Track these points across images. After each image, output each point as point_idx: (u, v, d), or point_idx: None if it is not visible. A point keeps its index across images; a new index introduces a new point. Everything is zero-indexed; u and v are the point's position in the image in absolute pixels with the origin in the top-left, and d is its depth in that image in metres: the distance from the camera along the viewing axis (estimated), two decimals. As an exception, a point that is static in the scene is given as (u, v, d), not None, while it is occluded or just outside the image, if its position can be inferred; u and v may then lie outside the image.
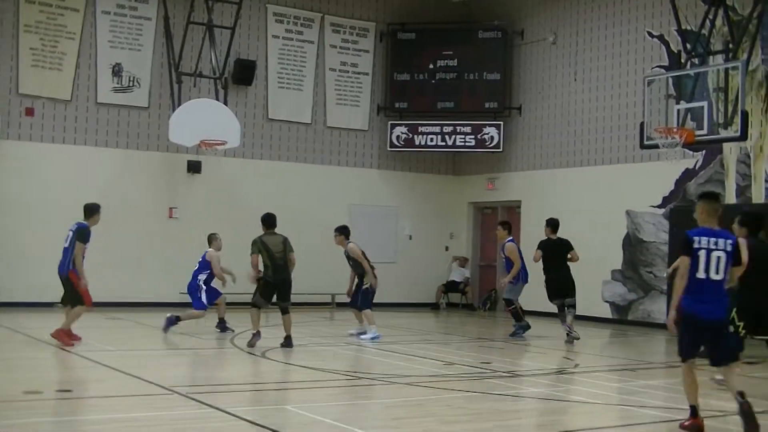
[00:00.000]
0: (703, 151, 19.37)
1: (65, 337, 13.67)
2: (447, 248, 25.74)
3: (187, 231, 21.63)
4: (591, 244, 18.95)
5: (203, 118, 20.59)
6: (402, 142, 24.73)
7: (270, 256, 14.45)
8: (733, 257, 8.62)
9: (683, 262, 8.60)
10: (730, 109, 17.31)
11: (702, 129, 17.53)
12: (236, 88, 22.62)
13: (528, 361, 14.78)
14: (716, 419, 9.15)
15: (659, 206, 20.14)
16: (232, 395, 10.15)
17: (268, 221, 14.84)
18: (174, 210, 21.96)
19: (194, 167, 22.03)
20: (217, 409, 8.94)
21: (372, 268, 16.45)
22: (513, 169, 24.33)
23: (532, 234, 21.58)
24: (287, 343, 14.28)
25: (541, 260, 16.88)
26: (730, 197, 19.01)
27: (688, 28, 18.92)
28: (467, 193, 25.71)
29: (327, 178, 23.93)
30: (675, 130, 17.52)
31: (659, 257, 20.11)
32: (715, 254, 8.51)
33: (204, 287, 16.67)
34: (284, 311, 14.49)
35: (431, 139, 24.67)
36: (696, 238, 8.56)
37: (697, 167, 19.62)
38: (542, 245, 17.05)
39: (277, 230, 14.86)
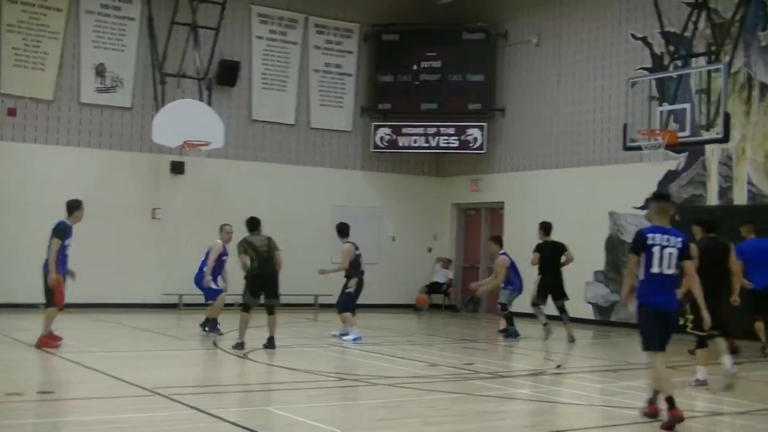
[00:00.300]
0: (686, 153, 19.44)
1: (49, 341, 13.58)
2: (430, 249, 25.75)
3: (171, 232, 21.60)
4: (574, 245, 18.93)
5: (187, 119, 20.55)
6: (385, 144, 24.73)
7: (256, 252, 14.52)
8: (684, 253, 9.14)
9: (633, 260, 9.17)
10: (712, 111, 17.39)
11: (684, 131, 17.60)
12: (220, 89, 22.56)
13: (511, 362, 14.81)
14: (697, 419, 9.19)
15: (642, 208, 20.17)
16: (215, 397, 10.13)
17: (252, 224, 14.91)
18: (157, 211, 21.89)
19: (177, 168, 21.97)
20: (199, 410, 8.92)
21: (361, 273, 16.36)
22: (496, 170, 24.36)
23: (515, 235, 21.66)
24: (270, 344, 14.27)
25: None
26: (712, 199, 19.10)
27: (671, 30, 18.98)
28: (451, 194, 25.73)
29: (310, 180, 23.90)
30: (658, 131, 17.58)
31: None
32: (667, 251, 9.04)
33: (211, 278, 16.38)
34: (270, 311, 14.48)
35: (415, 141, 24.68)
36: (649, 236, 9.09)
37: (679, 169, 19.69)
38: (539, 248, 17.26)
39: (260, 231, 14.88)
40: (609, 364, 13.50)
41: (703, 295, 10.34)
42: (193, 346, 15.11)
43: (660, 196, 9.65)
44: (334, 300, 22.33)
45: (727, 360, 11.48)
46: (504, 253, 17.87)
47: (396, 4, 25.28)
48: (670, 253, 9.05)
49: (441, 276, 25.05)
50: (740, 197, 18.62)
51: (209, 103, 21.59)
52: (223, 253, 16.54)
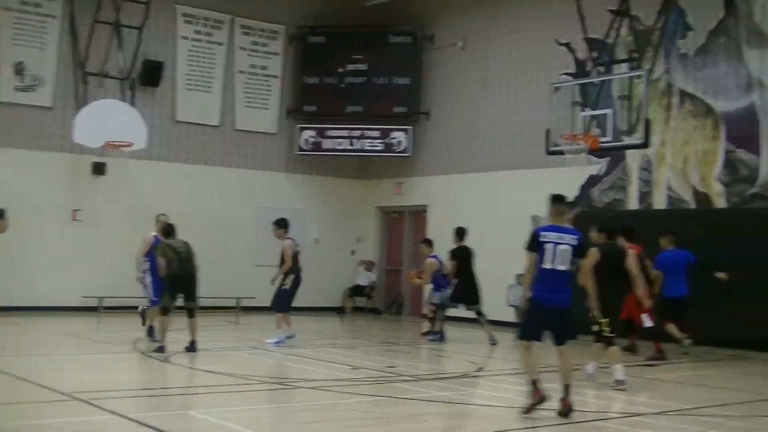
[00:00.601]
0: (607, 158, 19.71)
1: None
2: (353, 252, 25.74)
3: (92, 234, 21.29)
4: (497, 248, 19.13)
5: (109, 120, 20.24)
6: (310, 146, 24.67)
7: (176, 253, 14.40)
8: (578, 250, 9.60)
9: (528, 257, 9.67)
10: (633, 116, 17.68)
11: (606, 136, 17.85)
12: (143, 90, 22.29)
13: (433, 365, 14.87)
14: (614, 420, 9.31)
15: (564, 212, 20.40)
16: (135, 401, 10.01)
17: (168, 231, 14.81)
18: (78, 212, 21.54)
19: (99, 169, 21.64)
20: (119, 415, 8.80)
21: (299, 269, 16.24)
22: (421, 173, 24.45)
23: (439, 238, 21.73)
24: (192, 347, 14.15)
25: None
26: (633, 203, 19.40)
27: (595, 36, 19.24)
28: (375, 197, 25.75)
29: (235, 181, 23.73)
30: (580, 136, 17.80)
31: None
32: (560, 247, 9.50)
33: (150, 278, 15.58)
34: (191, 314, 14.36)
35: (340, 143, 24.67)
36: (543, 234, 9.61)
37: (601, 173, 19.96)
38: (454, 254, 17.58)
39: (182, 233, 14.79)
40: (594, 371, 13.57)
41: (602, 297, 11.59)
42: (113, 350, 14.89)
43: (556, 198, 9.95)
44: (258, 303, 22.34)
45: (620, 370, 11.76)
46: (434, 256, 18.02)
47: (322, 6, 25.23)
48: (564, 250, 9.48)
49: (364, 279, 25.07)
50: (660, 202, 18.94)
51: (132, 104, 21.31)
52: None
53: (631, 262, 12.65)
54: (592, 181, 20.07)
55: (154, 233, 15.80)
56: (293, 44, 24.95)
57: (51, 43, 21.40)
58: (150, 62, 22.37)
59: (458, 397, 10.97)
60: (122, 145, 20.41)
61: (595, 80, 18.59)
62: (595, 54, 18.91)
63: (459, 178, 23.22)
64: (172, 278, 14.32)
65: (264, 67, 24.52)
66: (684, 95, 18.72)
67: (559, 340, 9.71)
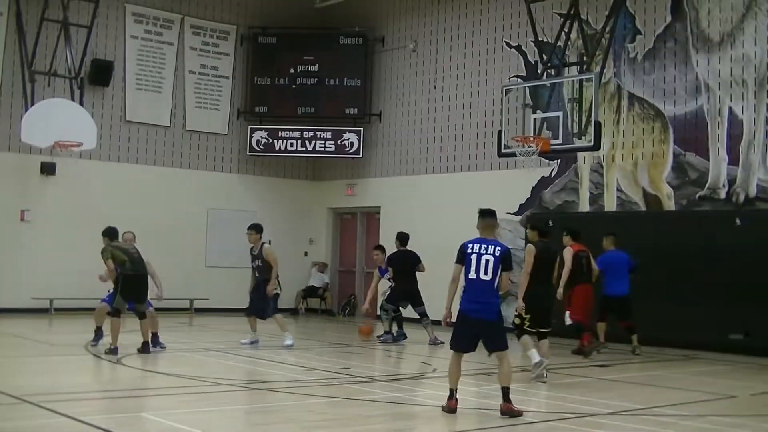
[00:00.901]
0: (558, 160, 19.87)
1: None
2: (306, 254, 25.69)
3: (41, 235, 21.04)
4: (449, 250, 19.14)
5: (58, 119, 20.01)
6: (262, 147, 24.59)
7: (126, 253, 14.31)
8: (502, 262, 9.82)
9: (455, 269, 10.00)
10: (584, 119, 17.80)
11: (557, 138, 17.98)
12: (93, 89, 22.08)
13: (387, 366, 14.87)
14: (568, 420, 9.38)
15: (516, 213, 20.55)
16: (86, 403, 9.89)
17: (112, 233, 14.69)
18: (26, 213, 21.27)
19: (48, 169, 21.39)
20: (70, 417, 8.70)
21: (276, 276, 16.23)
22: (372, 175, 24.47)
23: (390, 240, 21.74)
24: (144, 349, 14.05)
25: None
26: (584, 205, 19.56)
27: (545, 39, 19.38)
28: (327, 198, 25.73)
29: (186, 182, 23.59)
30: (531, 138, 17.91)
31: (516, 263, 20.41)
32: (484, 258, 9.79)
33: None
34: (142, 315, 14.25)
35: (291, 144, 24.60)
36: (469, 245, 9.92)
37: (552, 175, 20.11)
38: (391, 260, 18.10)
39: (134, 234, 14.70)
40: (484, 368, 13.62)
41: (537, 293, 12.52)
42: (64, 352, 14.73)
43: (484, 212, 10.22)
44: (211, 304, 22.25)
45: (534, 353, 12.42)
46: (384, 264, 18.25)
47: (273, 6, 25.18)
48: (487, 261, 9.76)
49: (317, 280, 25.03)
50: (610, 204, 19.12)
51: (81, 103, 21.08)
52: None
53: (567, 255, 14.90)
54: (544, 183, 20.21)
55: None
56: (244, 45, 24.86)
57: (-3, 41, 21.15)
58: (99, 61, 22.18)
59: (412, 398, 10.98)
60: (72, 145, 20.20)
61: (546, 83, 18.71)
62: (545, 57, 19.03)
63: (411, 179, 23.27)
64: (126, 279, 14.18)
65: (215, 68, 24.41)
66: (633, 98, 18.93)
67: (491, 348, 9.93)
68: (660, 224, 18.14)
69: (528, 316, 12.54)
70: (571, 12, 18.60)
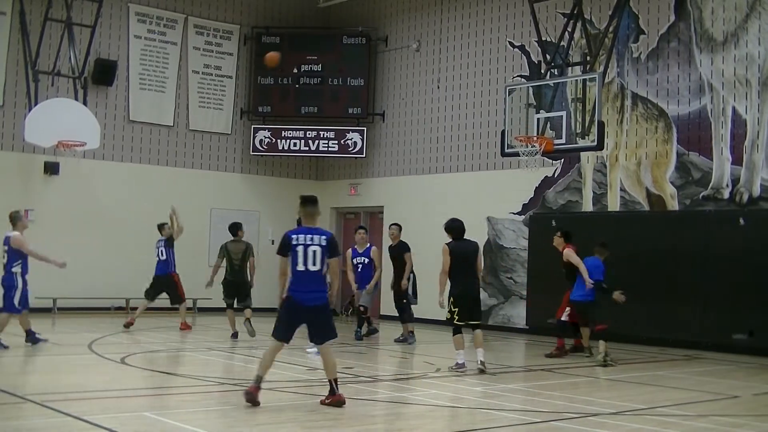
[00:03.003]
0: (562, 160, 19.86)
1: None
2: (309, 253, 25.63)
3: (44, 234, 21.00)
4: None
5: (61, 118, 20.05)
6: (265, 147, 24.60)
7: (229, 260, 16.68)
8: (329, 250, 9.88)
9: (281, 261, 10.04)
10: (587, 119, 17.78)
11: (560, 138, 17.96)
12: (96, 89, 22.11)
13: (390, 365, 14.86)
14: (572, 420, 9.37)
15: (519, 213, 20.54)
16: (89, 402, 9.89)
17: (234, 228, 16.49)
18: (30, 212, 21.25)
19: (52, 168, 21.42)
20: (73, 417, 8.70)
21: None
22: (376, 174, 24.47)
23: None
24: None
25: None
26: (587, 205, 19.55)
27: (548, 39, 19.37)
28: (330, 198, 25.71)
29: (189, 182, 23.61)
30: (534, 138, 17.89)
31: (519, 263, 20.51)
32: (311, 249, 9.81)
33: (21, 283, 14.97)
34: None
35: (294, 144, 24.61)
36: (294, 237, 9.91)
37: (555, 175, 20.10)
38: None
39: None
40: (487, 367, 13.64)
41: (460, 287, 13.09)
42: (67, 352, 14.74)
43: (306, 200, 10.23)
44: (214, 304, 22.24)
45: (461, 355, 13.17)
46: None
47: (276, 6, 25.20)
48: (314, 251, 9.79)
49: (320, 280, 24.97)
50: (614, 204, 19.10)
51: (85, 103, 21.11)
52: None
53: (575, 255, 15.08)
54: (547, 182, 20.20)
55: (12, 233, 15.20)
56: (247, 44, 24.88)
57: (1, 40, 21.17)
58: (103, 61, 22.20)
59: (415, 398, 10.97)
60: (75, 145, 20.23)
61: (549, 83, 18.69)
62: (548, 57, 19.01)
63: (414, 179, 23.27)
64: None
65: (218, 67, 24.43)
66: (636, 98, 18.92)
67: (319, 339, 10.00)
68: (663, 224, 18.13)
69: (456, 309, 13.11)
70: (575, 12, 18.58)
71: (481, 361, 12.97)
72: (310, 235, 9.86)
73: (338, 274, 10.26)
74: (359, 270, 18.26)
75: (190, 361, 14.04)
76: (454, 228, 13.61)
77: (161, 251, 18.54)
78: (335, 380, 9.81)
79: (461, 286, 13.24)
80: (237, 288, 17.31)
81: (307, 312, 9.87)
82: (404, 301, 17.62)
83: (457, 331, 13.31)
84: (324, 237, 9.88)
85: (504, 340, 18.90)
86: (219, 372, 13.22)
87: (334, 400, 9.73)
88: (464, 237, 13.61)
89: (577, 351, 15.82)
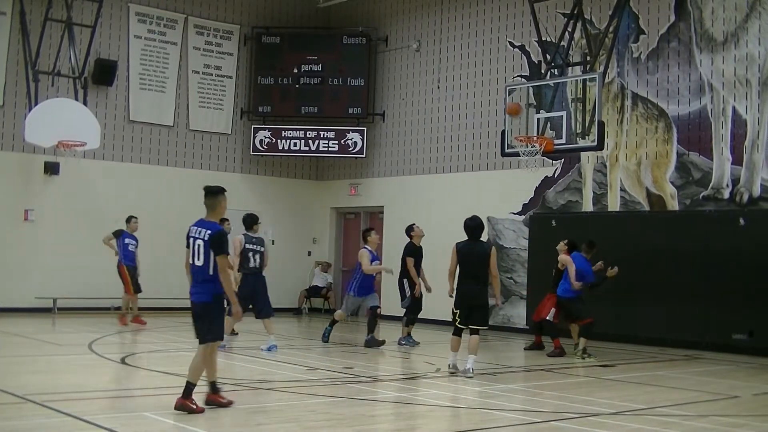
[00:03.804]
0: (562, 160, 19.86)
1: None
2: (309, 253, 25.70)
3: (44, 234, 21.05)
4: (451, 250, 19.14)
5: (61, 118, 20.02)
6: (265, 147, 24.60)
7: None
8: (212, 246, 9.24)
9: (186, 254, 9.51)
10: (587, 119, 17.77)
11: (561, 138, 17.94)
12: (96, 89, 22.11)
13: (390, 365, 14.85)
14: (571, 420, 9.37)
15: (519, 213, 20.54)
16: (89, 402, 9.89)
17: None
18: (30, 212, 21.29)
19: (52, 168, 21.42)
20: (73, 417, 8.70)
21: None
22: (376, 174, 24.48)
23: (394, 240, 21.76)
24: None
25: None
26: (587, 205, 19.55)
27: (548, 39, 19.36)
28: (330, 198, 25.74)
29: (189, 182, 23.54)
30: (535, 138, 17.87)
31: (519, 263, 20.51)
32: (197, 242, 9.34)
33: None
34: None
35: (294, 144, 24.61)
36: (191, 229, 9.52)
37: (556, 175, 20.10)
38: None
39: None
40: (487, 368, 13.65)
41: (464, 289, 12.82)
42: (67, 352, 14.74)
43: (205, 191, 9.77)
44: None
45: (452, 357, 13.06)
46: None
47: (277, 6, 25.20)
48: (199, 245, 9.32)
49: (320, 280, 25.03)
50: (614, 204, 19.10)
51: (85, 103, 21.10)
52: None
53: (567, 260, 15.18)
54: (547, 182, 20.20)
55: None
56: (247, 44, 24.88)
57: (1, 40, 21.19)
58: (103, 61, 22.20)
59: (416, 398, 10.97)
60: (75, 145, 20.21)
61: (550, 83, 18.68)
62: (548, 57, 19.01)
63: (414, 179, 23.28)
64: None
65: (218, 67, 24.42)
66: (637, 98, 18.92)
67: (198, 337, 9.53)
68: (663, 224, 18.13)
69: (457, 311, 12.95)
70: (575, 12, 18.57)
71: (467, 368, 12.59)
72: (199, 229, 9.41)
73: (225, 271, 9.33)
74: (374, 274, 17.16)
75: (190, 361, 14.01)
76: (467, 227, 13.39)
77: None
78: (191, 385, 9.26)
79: (463, 289, 13.06)
80: None
81: (192, 308, 9.50)
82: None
83: (455, 332, 13.12)
84: (209, 232, 9.32)
85: (504, 340, 18.90)
86: (220, 372, 13.19)
87: (182, 402, 9.17)
88: (479, 238, 13.38)
89: (537, 349, 16.38)
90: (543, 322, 16.35)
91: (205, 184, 9.85)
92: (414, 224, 17.52)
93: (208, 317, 9.45)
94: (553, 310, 16.00)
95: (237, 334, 17.11)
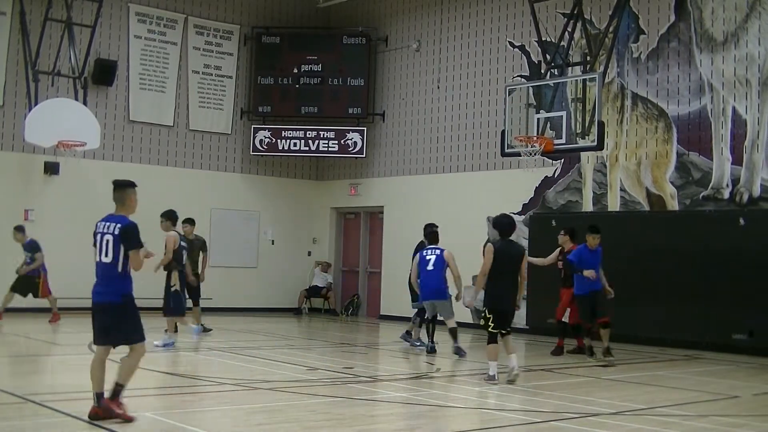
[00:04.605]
0: (562, 160, 19.85)
1: None
2: (309, 253, 25.70)
3: (45, 234, 21.01)
4: (452, 250, 19.16)
5: (61, 118, 20.02)
6: (265, 147, 24.59)
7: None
8: (122, 240, 8.67)
9: (93, 252, 8.92)
10: (587, 119, 17.77)
11: (561, 138, 17.95)
12: (96, 89, 22.10)
13: (390, 365, 14.86)
14: (571, 420, 9.38)
15: (519, 213, 20.51)
16: (90, 402, 9.85)
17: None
18: (30, 212, 21.29)
19: (52, 168, 21.41)
20: (74, 417, 8.70)
21: (183, 266, 15.90)
22: (376, 174, 24.47)
23: (393, 240, 21.80)
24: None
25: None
26: (587, 205, 19.54)
27: (548, 39, 19.36)
28: (330, 198, 25.73)
29: (189, 182, 23.60)
30: (534, 138, 17.88)
31: (518, 263, 20.46)
32: (105, 238, 8.74)
33: None
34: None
35: (294, 144, 24.60)
36: (97, 224, 8.88)
37: (555, 175, 20.10)
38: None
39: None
40: (487, 367, 13.63)
41: (496, 297, 11.92)
42: (67, 352, 14.75)
43: (113, 185, 9.14)
44: (215, 304, 22.25)
45: (494, 366, 12.00)
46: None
47: (276, 6, 25.20)
48: (107, 240, 8.73)
49: (320, 280, 25.02)
50: (614, 204, 19.10)
51: (85, 103, 21.09)
52: None
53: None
54: (547, 182, 20.19)
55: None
56: (247, 44, 24.87)
57: (0, 40, 21.17)
58: (103, 61, 22.19)
59: (415, 398, 10.97)
60: (75, 145, 20.21)
61: (549, 83, 18.69)
62: (548, 57, 19.01)
63: (414, 179, 23.27)
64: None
65: (218, 67, 24.42)
66: (637, 98, 18.91)
67: (117, 340, 8.80)
68: (663, 224, 18.13)
69: (491, 316, 12.07)
70: (575, 12, 18.58)
71: (513, 367, 11.87)
72: (108, 223, 8.77)
73: (140, 265, 8.79)
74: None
75: (190, 361, 14.04)
76: (502, 224, 12.58)
77: None
78: (120, 386, 8.65)
79: (498, 291, 12.12)
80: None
81: (99, 307, 8.83)
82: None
83: (492, 339, 12.10)
84: (118, 225, 8.69)
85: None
86: (219, 372, 13.21)
87: (108, 405, 8.57)
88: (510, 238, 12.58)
89: (579, 352, 15.76)
90: (559, 323, 15.98)
91: (115, 180, 9.21)
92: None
93: (119, 318, 8.73)
94: (568, 310, 15.78)
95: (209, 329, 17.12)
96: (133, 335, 8.73)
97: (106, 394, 8.64)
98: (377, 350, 16.60)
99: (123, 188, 9.05)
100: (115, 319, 8.70)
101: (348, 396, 10.63)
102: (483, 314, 12.22)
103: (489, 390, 11.60)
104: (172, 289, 15.61)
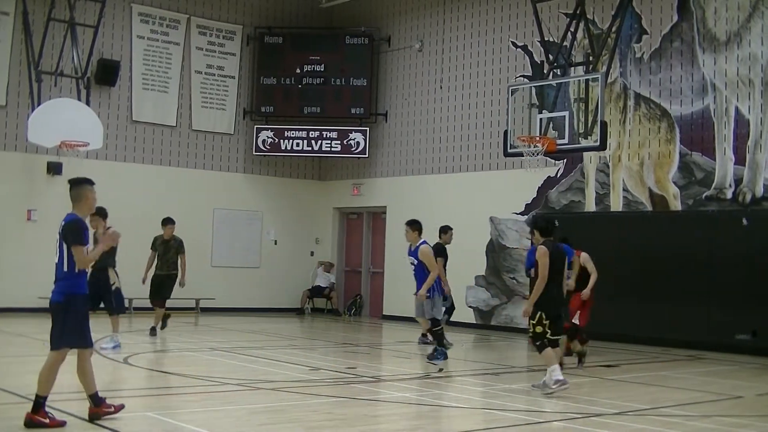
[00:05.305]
0: (564, 160, 19.84)
1: None
2: (312, 253, 25.70)
3: (48, 234, 20.95)
4: (455, 249, 19.17)
5: (64, 119, 20.01)
6: (268, 147, 24.59)
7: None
8: (64, 236, 8.41)
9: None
10: (590, 119, 17.78)
11: (563, 138, 17.94)
12: (99, 89, 22.11)
13: (393, 366, 14.84)
14: (575, 421, 9.36)
15: (522, 213, 20.52)
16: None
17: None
18: (33, 212, 21.30)
19: (54, 169, 21.41)
20: (76, 417, 8.70)
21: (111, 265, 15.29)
22: (378, 174, 24.46)
23: (396, 240, 21.76)
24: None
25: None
26: (590, 205, 19.53)
27: (551, 39, 19.35)
28: (333, 198, 25.73)
29: (192, 182, 23.60)
30: (537, 138, 17.87)
31: (522, 263, 20.46)
32: (56, 237, 8.51)
33: None
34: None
35: (297, 144, 24.60)
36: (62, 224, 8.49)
37: (558, 175, 20.08)
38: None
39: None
40: (490, 368, 13.64)
41: (553, 297, 11.04)
42: (69, 352, 14.69)
43: (71, 182, 8.81)
44: (217, 304, 22.28)
45: (558, 370, 11.14)
46: (424, 242, 15.69)
47: (279, 6, 25.21)
48: (57, 240, 8.49)
49: (323, 280, 25.02)
50: (616, 204, 19.08)
51: (88, 103, 21.10)
52: None
53: (588, 260, 14.02)
54: (550, 182, 20.18)
55: None
56: (250, 45, 24.88)
57: (4, 40, 21.18)
58: (106, 61, 22.20)
59: (419, 398, 10.96)
60: (78, 145, 20.21)
61: (552, 83, 18.68)
62: (551, 57, 19.00)
63: (417, 179, 23.27)
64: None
65: (221, 68, 24.42)
66: (639, 98, 18.90)
67: (52, 342, 8.54)
68: (666, 224, 18.12)
69: (548, 321, 11.10)
70: (578, 12, 18.59)
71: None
72: (62, 222, 8.55)
73: (84, 262, 8.50)
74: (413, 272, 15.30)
75: (192, 361, 14.03)
76: (545, 223, 11.81)
77: None
78: (42, 398, 8.38)
79: (552, 295, 11.26)
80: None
81: (50, 308, 8.55)
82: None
83: (553, 344, 11.29)
84: (63, 222, 8.48)
85: (507, 340, 18.88)
86: (221, 372, 13.20)
87: (31, 417, 8.30)
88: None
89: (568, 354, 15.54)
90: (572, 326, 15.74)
91: (71, 178, 8.93)
92: (449, 225, 17.10)
93: (59, 319, 8.48)
94: (578, 312, 15.54)
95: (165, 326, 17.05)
96: (57, 340, 8.45)
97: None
98: (380, 350, 16.60)
99: (80, 185, 8.72)
100: (54, 320, 8.46)
101: (351, 396, 10.62)
102: (537, 320, 11.11)
103: (492, 390, 11.59)
104: (113, 287, 14.98)
